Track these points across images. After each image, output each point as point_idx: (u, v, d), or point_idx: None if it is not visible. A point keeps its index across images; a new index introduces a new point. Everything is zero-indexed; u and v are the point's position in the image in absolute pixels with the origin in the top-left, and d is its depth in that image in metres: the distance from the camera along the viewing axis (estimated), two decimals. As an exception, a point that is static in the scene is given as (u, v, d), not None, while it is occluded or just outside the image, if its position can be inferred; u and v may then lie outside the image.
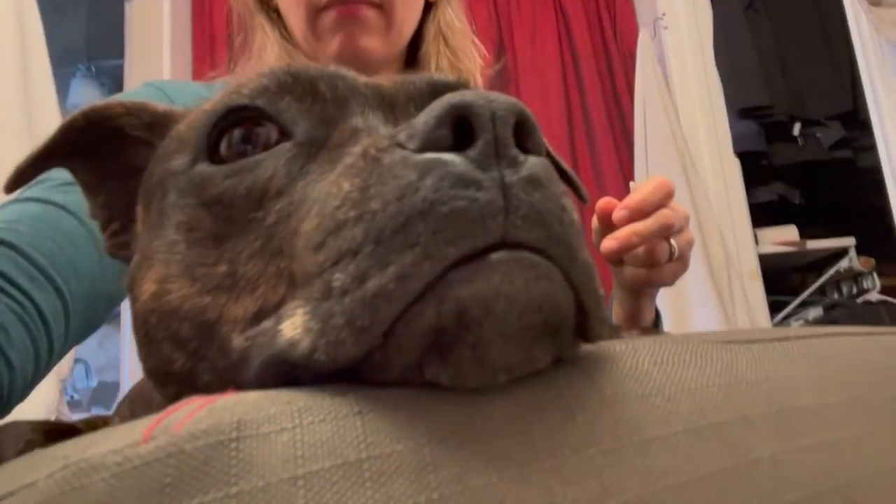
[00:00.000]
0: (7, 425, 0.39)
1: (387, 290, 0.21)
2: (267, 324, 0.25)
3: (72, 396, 2.90)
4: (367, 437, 0.19)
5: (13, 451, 0.35)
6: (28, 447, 0.36)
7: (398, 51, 0.84)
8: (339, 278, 0.22)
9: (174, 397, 0.29)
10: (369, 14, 0.77)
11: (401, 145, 0.23)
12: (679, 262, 0.69)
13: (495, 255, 0.21)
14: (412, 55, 0.87)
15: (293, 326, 0.23)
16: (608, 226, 0.65)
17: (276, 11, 0.84)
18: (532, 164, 0.23)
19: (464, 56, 0.87)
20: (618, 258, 0.68)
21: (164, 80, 0.88)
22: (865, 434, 0.32)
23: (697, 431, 0.25)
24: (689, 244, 0.70)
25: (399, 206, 0.21)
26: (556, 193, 0.23)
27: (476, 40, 0.90)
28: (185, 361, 0.28)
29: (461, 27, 0.88)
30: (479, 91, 0.23)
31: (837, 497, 0.26)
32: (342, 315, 0.21)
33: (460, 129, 0.22)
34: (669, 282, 0.70)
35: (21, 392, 0.51)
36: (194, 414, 0.19)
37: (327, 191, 0.24)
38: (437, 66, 0.85)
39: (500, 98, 0.23)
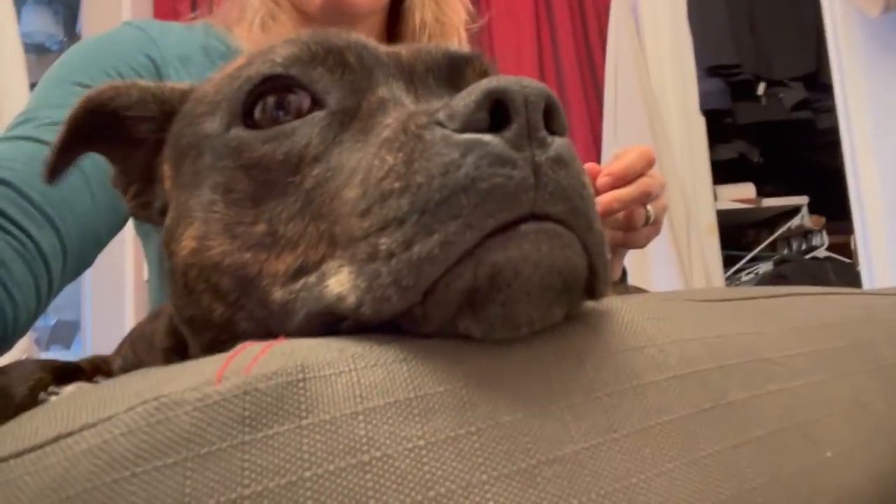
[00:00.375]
0: (15, 364, 0.40)
1: (432, 254, 0.23)
2: (309, 279, 0.27)
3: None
4: (413, 380, 0.22)
5: (24, 388, 0.37)
6: (38, 385, 0.38)
7: (383, 2, 0.83)
8: (385, 242, 0.24)
9: (210, 342, 0.32)
10: None
11: (441, 124, 0.25)
12: (653, 227, 0.73)
13: (526, 226, 0.24)
14: (395, 6, 0.86)
15: (339, 283, 0.25)
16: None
17: None
18: (558, 144, 0.25)
19: (448, 9, 0.87)
20: None
21: (145, 20, 0.85)
22: (820, 381, 0.36)
23: (683, 378, 0.29)
24: (664, 210, 0.74)
25: (443, 181, 0.24)
26: (577, 171, 0.26)
27: None
28: (224, 311, 0.30)
29: None
30: (511, 77, 0.25)
31: (797, 433, 0.31)
32: (389, 275, 0.24)
33: (495, 112, 0.25)
34: (643, 244, 0.75)
35: (23, 328, 0.52)
36: (258, 358, 0.22)
37: (369, 162, 0.26)
38: (421, 19, 0.85)
39: (532, 84, 0.25)
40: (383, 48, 0.34)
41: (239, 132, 0.31)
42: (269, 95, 0.31)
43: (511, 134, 0.24)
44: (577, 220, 0.25)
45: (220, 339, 0.31)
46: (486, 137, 0.24)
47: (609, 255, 0.28)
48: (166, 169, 0.38)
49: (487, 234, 0.23)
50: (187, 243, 0.32)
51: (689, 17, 2.39)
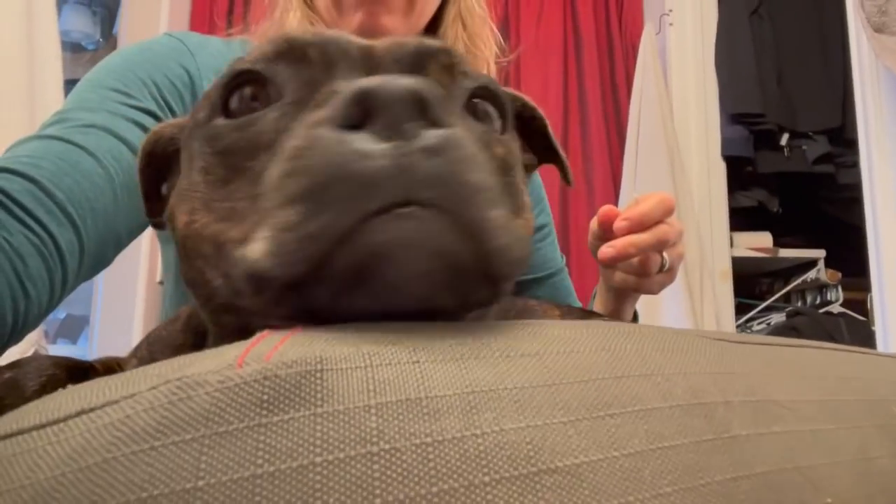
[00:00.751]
0: (29, 359, 0.41)
1: (316, 233, 0.26)
2: (245, 246, 0.30)
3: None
4: (424, 382, 0.23)
5: (36, 383, 0.38)
6: (50, 381, 0.39)
7: (417, 30, 0.85)
8: (288, 216, 0.27)
9: (206, 298, 0.37)
10: None
11: (322, 122, 0.28)
12: (668, 274, 0.73)
13: (398, 211, 0.26)
14: (431, 34, 0.88)
15: (256, 250, 0.29)
16: (607, 232, 0.69)
17: None
18: (432, 134, 0.27)
19: (480, 42, 0.89)
20: (613, 265, 0.72)
21: (185, 32, 0.87)
22: (827, 430, 0.36)
23: (688, 408, 0.29)
24: (680, 258, 0.74)
25: (322, 170, 0.27)
26: (457, 157, 0.27)
27: (493, 28, 0.92)
28: (211, 272, 0.35)
29: (480, 13, 0.90)
30: (387, 76, 0.28)
31: (798, 475, 0.31)
32: (291, 243, 0.27)
33: (367, 109, 0.27)
34: (656, 291, 0.75)
35: (34, 322, 0.53)
36: (278, 347, 0.23)
37: (287, 147, 0.30)
38: None
39: (400, 81, 0.27)
40: (359, 42, 0.37)
41: (218, 121, 0.35)
42: (244, 88, 0.35)
43: (377, 127, 0.27)
44: (456, 205, 0.27)
45: (212, 296, 0.35)
46: (355, 133, 0.27)
47: (513, 241, 0.29)
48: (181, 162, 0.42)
49: (362, 219, 0.26)
50: (182, 218, 0.36)
51: (716, 64, 2.41)
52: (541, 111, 0.51)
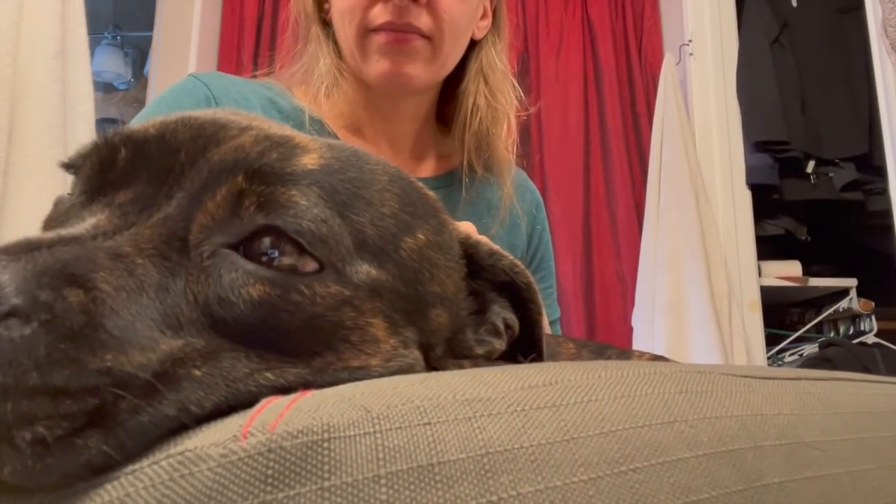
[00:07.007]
0: None
1: None
2: None
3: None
4: (436, 445, 0.22)
5: None
6: None
7: (438, 80, 0.87)
8: None
9: None
10: (418, 44, 0.80)
11: None
12: None
13: None
14: (453, 87, 0.91)
15: None
16: None
17: (330, 22, 0.87)
18: None
19: (501, 95, 0.90)
20: None
21: (211, 74, 0.88)
22: (865, 471, 0.34)
23: (715, 456, 0.28)
24: None
25: None
26: None
27: (514, 83, 0.94)
28: None
29: (502, 68, 0.91)
30: None
31: (836, 526, 0.29)
32: None
33: None
34: None
35: None
36: (283, 414, 0.22)
37: None
38: (474, 103, 0.88)
39: None
40: (158, 152, 0.34)
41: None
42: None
43: None
44: None
45: None
46: None
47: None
48: None
49: None
50: None
51: (739, 93, 2.39)
52: (539, 299, 0.43)
